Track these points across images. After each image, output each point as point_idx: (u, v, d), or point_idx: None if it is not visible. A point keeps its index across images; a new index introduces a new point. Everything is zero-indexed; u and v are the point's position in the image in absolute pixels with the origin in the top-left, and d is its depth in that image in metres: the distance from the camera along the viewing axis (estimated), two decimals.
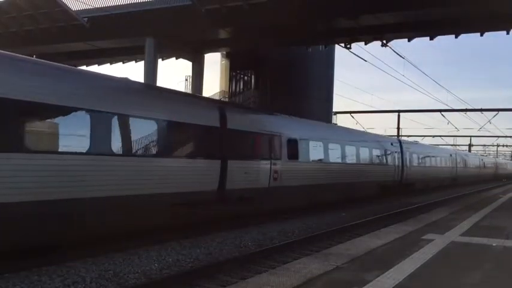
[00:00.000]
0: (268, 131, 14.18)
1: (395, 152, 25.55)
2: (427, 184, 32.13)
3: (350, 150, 19.81)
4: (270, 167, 13.92)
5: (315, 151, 16.99)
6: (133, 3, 23.35)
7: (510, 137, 57.92)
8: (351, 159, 19.93)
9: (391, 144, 25.66)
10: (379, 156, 23.34)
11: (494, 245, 8.66)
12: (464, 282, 5.99)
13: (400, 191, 26.07)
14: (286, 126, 15.58)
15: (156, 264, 8.60)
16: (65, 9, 22.33)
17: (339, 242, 10.54)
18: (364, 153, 21.29)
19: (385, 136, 27.89)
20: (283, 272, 6.13)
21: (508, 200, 20.42)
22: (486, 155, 78.44)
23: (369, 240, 8.89)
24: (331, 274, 6.14)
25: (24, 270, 7.58)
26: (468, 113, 39.34)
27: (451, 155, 40.09)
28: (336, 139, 18.92)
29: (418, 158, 29.95)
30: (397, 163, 25.54)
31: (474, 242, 8.86)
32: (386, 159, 24.26)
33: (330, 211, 17.34)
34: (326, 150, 17.71)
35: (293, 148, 15.41)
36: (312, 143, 16.78)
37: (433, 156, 33.99)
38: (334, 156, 18.38)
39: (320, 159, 17.42)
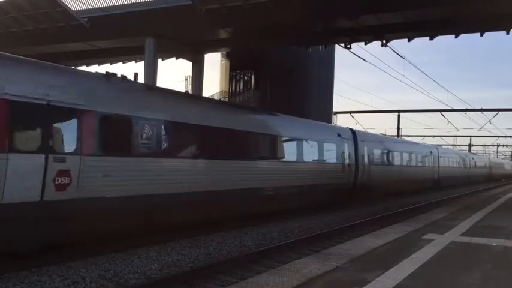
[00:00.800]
0: (39, 98, 7.90)
1: (345, 145, 19.40)
2: (397, 188, 25.61)
3: (257, 141, 13.96)
4: (46, 166, 7.91)
5: (177, 140, 10.97)
6: (134, 3, 23.35)
7: (510, 137, 57.95)
8: (257, 153, 13.93)
9: (338, 135, 19.22)
10: (314, 150, 17.09)
11: (494, 245, 8.66)
12: (464, 282, 5.98)
13: (354, 197, 20.32)
14: (101, 97, 9.31)
15: (156, 264, 8.61)
16: (65, 9, 22.30)
17: (339, 242, 10.55)
18: (287, 146, 15.58)
19: (328, 125, 20.85)
20: (283, 272, 6.13)
21: (508, 200, 20.43)
22: (487, 155, 78.37)
23: (368, 240, 8.90)
24: (332, 274, 6.14)
25: (24, 270, 7.58)
26: (468, 113, 39.38)
27: (431, 152, 33.51)
28: (225, 123, 12.60)
29: (382, 154, 23.71)
30: (347, 160, 19.35)
31: (474, 242, 8.87)
32: (328, 154, 18.08)
33: (330, 211, 17.34)
34: (204, 140, 11.71)
35: (120, 134, 9.49)
36: (172, 128, 10.75)
37: (404, 153, 27.17)
38: (219, 148, 12.24)
39: (187, 153, 11.30)
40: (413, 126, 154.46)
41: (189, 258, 9.21)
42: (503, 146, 75.52)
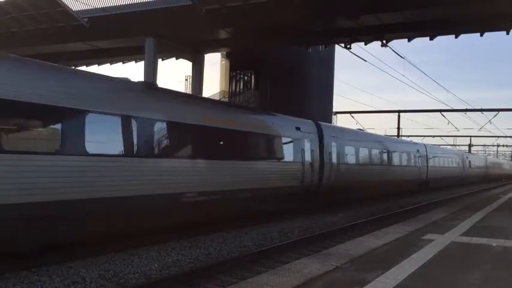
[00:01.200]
0: None
1: (306, 140, 16.43)
2: (376, 190, 22.81)
3: (160, 131, 10.75)
4: None
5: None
6: (134, 3, 23.36)
7: (510, 137, 57.91)
8: (164, 148, 10.91)
9: (297, 128, 16.18)
10: (257, 145, 14.17)
11: (494, 245, 8.66)
12: (464, 282, 5.99)
13: (318, 201, 17.47)
14: None
15: (156, 264, 8.61)
16: (65, 9, 22.30)
17: (339, 242, 10.54)
18: (214, 140, 12.19)
19: (282, 116, 16.68)
20: (283, 272, 6.13)
21: (508, 200, 20.43)
22: (487, 154, 78.32)
23: (369, 240, 8.90)
24: (332, 274, 6.14)
25: (24, 270, 7.59)
26: (468, 113, 39.24)
27: (418, 151, 30.27)
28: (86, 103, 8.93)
29: (357, 152, 20.73)
30: (308, 159, 16.40)
31: (474, 242, 8.87)
32: (279, 151, 15.27)
33: (330, 212, 17.34)
34: (52, 127, 8.64)
35: None
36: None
37: (385, 151, 24.13)
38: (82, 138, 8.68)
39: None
40: (413, 126, 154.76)
41: (189, 258, 9.21)
42: (503, 146, 75.60)
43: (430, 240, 8.82)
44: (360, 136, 23.09)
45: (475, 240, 9.11)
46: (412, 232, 9.98)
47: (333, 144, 18.57)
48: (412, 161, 28.87)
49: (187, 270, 8.16)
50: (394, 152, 25.64)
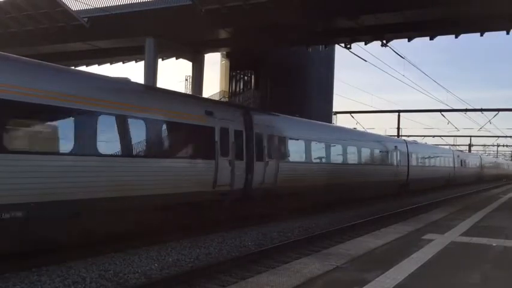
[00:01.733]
0: None
1: (223, 128, 12.27)
2: (335, 193, 18.50)
3: None
4: None
5: None
6: (134, 3, 23.39)
7: (510, 137, 57.93)
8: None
9: (207, 113, 11.89)
10: (133, 133, 9.86)
11: (494, 245, 8.66)
12: (464, 282, 5.98)
13: (249, 210, 13.73)
14: None
15: (156, 264, 8.61)
16: (65, 9, 22.36)
17: (339, 242, 10.55)
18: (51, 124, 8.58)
19: (183, 95, 14.31)
20: (283, 272, 6.13)
21: (508, 200, 20.43)
22: (487, 154, 78.29)
23: (368, 240, 8.89)
24: (332, 274, 6.13)
25: (24, 270, 7.59)
26: (468, 113, 39.24)
27: (396, 147, 25.51)
28: None
29: (307, 146, 16.48)
30: (225, 154, 12.28)
31: (474, 242, 8.86)
32: (169, 142, 10.98)
33: (330, 211, 17.33)
34: None
35: None
36: None
37: (349, 146, 19.88)
38: None
39: None
40: (413, 126, 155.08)
41: (189, 258, 9.21)
42: (503, 146, 75.64)
43: (429, 240, 8.82)
44: (316, 128, 18.70)
45: (475, 240, 9.10)
46: (412, 232, 9.98)
47: (270, 137, 14.38)
48: (388, 159, 24.49)
49: (187, 270, 8.16)
50: (362, 148, 21.22)
